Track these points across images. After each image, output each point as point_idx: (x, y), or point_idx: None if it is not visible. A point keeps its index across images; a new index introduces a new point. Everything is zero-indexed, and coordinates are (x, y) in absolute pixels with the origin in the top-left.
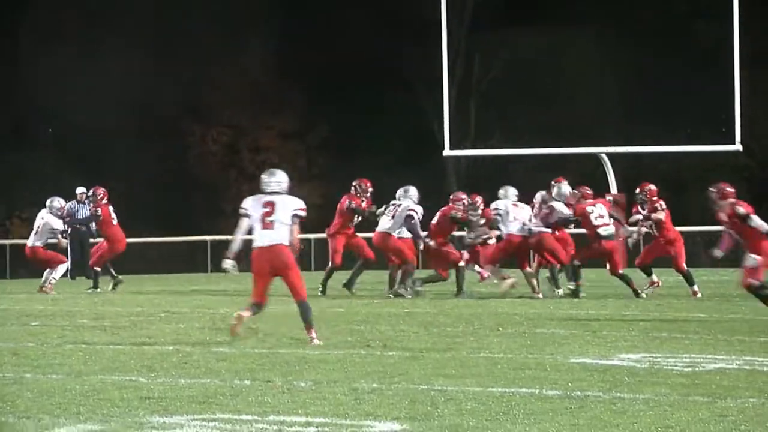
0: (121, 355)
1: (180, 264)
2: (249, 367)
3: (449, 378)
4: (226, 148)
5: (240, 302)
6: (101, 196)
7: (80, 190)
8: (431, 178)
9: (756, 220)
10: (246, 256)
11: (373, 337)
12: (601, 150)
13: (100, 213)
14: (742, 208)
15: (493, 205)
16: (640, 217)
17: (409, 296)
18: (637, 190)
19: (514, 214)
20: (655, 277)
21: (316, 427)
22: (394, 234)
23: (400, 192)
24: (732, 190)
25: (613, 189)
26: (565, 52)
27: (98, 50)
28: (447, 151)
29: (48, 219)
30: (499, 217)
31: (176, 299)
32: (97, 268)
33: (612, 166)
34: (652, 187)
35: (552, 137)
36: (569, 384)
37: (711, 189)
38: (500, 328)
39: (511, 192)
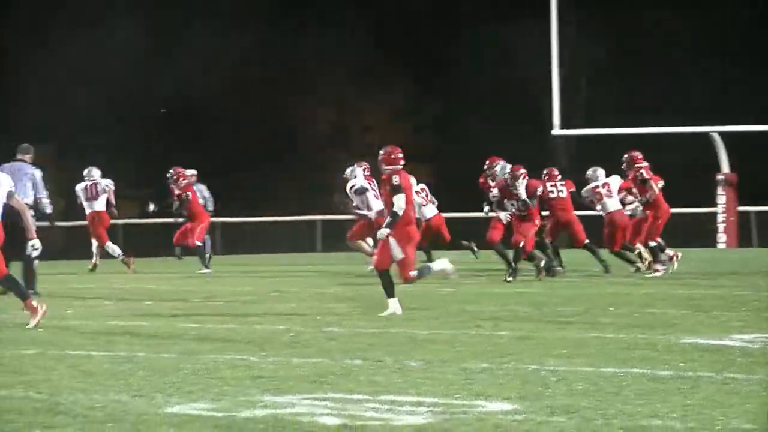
0: (233, 334)
1: (289, 243)
2: (359, 346)
3: (560, 358)
4: (334, 126)
5: (348, 281)
6: (177, 177)
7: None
8: (539, 157)
9: None
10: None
11: (483, 316)
12: (713, 129)
13: (189, 196)
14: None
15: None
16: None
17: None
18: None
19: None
20: (670, 251)
21: (427, 406)
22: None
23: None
24: None
25: (725, 168)
26: (676, 31)
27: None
28: (556, 131)
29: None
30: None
31: (287, 279)
32: (199, 243)
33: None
34: (636, 153)
35: (662, 116)
36: (681, 364)
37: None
38: (611, 308)
39: (600, 173)
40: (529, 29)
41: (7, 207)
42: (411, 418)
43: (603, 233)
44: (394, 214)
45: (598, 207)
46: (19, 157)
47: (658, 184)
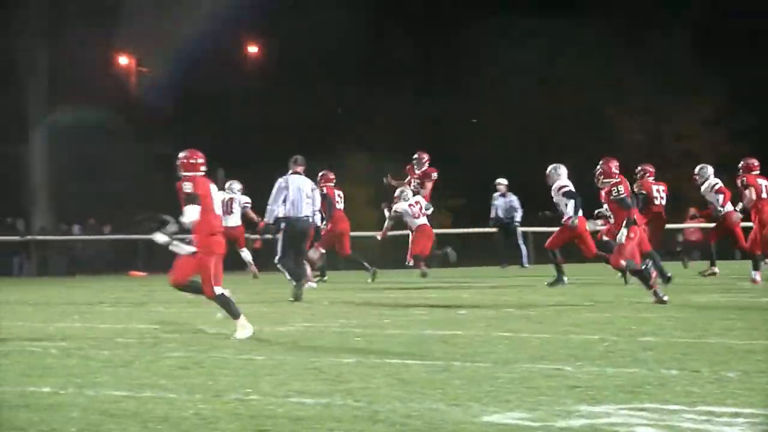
0: (547, 344)
1: None
2: (675, 356)
3: None
4: (649, 135)
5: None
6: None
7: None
8: None
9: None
10: None
11: None
12: None
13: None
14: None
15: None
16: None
17: None
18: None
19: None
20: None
21: (745, 417)
22: None
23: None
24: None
25: None
26: None
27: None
28: None
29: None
30: None
31: (600, 288)
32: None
33: None
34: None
35: None
36: None
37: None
38: None
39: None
40: None
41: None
42: (728, 429)
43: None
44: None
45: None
46: (298, 169)
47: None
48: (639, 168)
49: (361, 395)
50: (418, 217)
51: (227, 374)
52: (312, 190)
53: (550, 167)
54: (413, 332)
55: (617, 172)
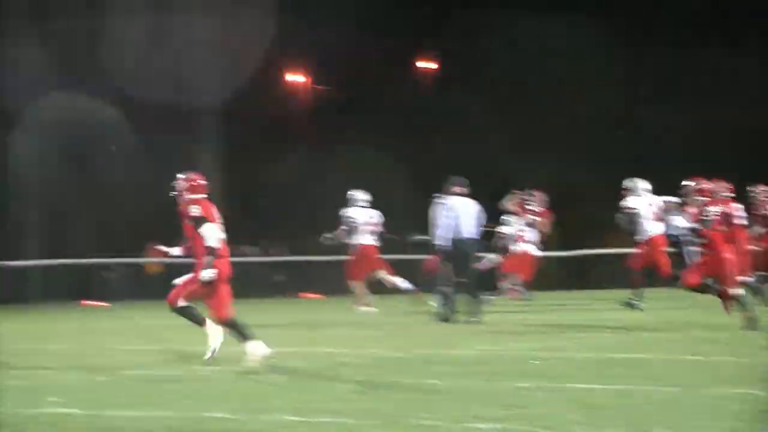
0: (736, 367)
1: None
2: None
3: None
4: None
5: None
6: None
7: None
8: None
9: None
10: None
11: None
12: None
13: None
14: None
15: None
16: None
17: None
18: None
19: None
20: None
21: None
22: None
23: None
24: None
25: None
26: None
27: None
28: None
29: None
30: None
31: None
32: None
33: None
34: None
35: None
36: None
37: None
38: None
39: None
40: None
41: None
42: None
43: None
44: None
45: None
46: (458, 190)
47: None
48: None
49: (540, 421)
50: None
51: (399, 398)
52: (478, 211)
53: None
54: (593, 355)
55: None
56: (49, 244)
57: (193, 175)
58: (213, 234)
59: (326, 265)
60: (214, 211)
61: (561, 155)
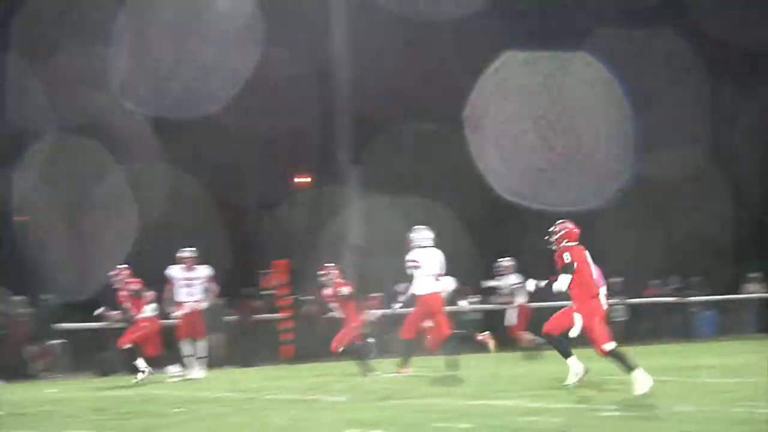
0: None
1: None
2: None
3: None
4: None
5: None
6: None
7: None
8: None
9: None
10: None
11: None
12: None
13: None
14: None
15: None
16: None
17: None
18: None
19: None
20: None
21: None
22: None
23: None
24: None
25: None
26: None
27: None
28: None
29: None
30: None
31: None
32: None
33: None
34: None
35: None
36: None
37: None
38: None
39: None
40: None
41: None
42: None
43: None
44: None
45: None
46: None
47: None
48: None
49: None
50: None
51: None
52: None
53: None
54: None
55: None
56: None
57: (567, 224)
58: (563, 282)
59: None
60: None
61: None
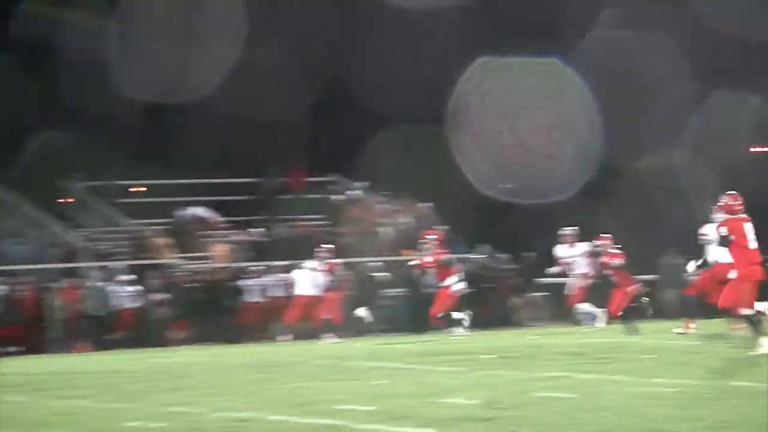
0: None
1: None
2: None
3: None
4: None
5: None
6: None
7: None
8: None
9: None
10: None
11: None
12: None
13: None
14: None
15: None
16: None
17: None
18: None
19: None
20: None
21: None
22: None
23: None
24: None
25: None
26: None
27: None
28: None
29: None
30: None
31: None
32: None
33: None
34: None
35: None
36: None
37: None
38: None
39: None
40: None
41: None
42: None
43: None
44: None
45: None
46: None
47: None
48: None
49: None
50: None
51: None
52: None
53: None
54: None
55: None
56: None
57: (731, 198)
58: (715, 252)
59: None
60: (746, 227)
61: None
